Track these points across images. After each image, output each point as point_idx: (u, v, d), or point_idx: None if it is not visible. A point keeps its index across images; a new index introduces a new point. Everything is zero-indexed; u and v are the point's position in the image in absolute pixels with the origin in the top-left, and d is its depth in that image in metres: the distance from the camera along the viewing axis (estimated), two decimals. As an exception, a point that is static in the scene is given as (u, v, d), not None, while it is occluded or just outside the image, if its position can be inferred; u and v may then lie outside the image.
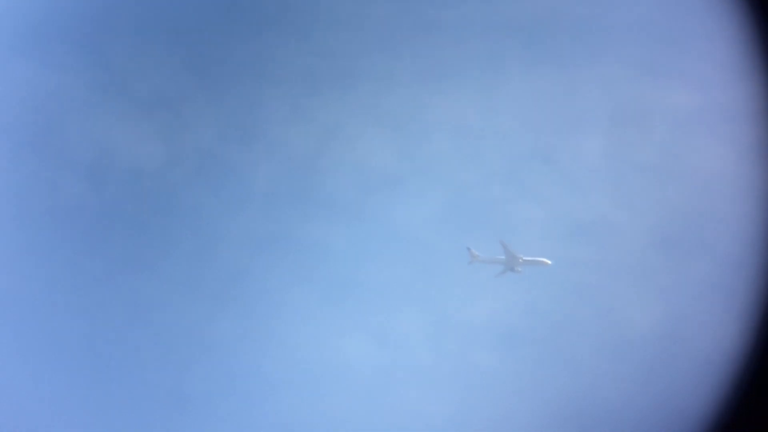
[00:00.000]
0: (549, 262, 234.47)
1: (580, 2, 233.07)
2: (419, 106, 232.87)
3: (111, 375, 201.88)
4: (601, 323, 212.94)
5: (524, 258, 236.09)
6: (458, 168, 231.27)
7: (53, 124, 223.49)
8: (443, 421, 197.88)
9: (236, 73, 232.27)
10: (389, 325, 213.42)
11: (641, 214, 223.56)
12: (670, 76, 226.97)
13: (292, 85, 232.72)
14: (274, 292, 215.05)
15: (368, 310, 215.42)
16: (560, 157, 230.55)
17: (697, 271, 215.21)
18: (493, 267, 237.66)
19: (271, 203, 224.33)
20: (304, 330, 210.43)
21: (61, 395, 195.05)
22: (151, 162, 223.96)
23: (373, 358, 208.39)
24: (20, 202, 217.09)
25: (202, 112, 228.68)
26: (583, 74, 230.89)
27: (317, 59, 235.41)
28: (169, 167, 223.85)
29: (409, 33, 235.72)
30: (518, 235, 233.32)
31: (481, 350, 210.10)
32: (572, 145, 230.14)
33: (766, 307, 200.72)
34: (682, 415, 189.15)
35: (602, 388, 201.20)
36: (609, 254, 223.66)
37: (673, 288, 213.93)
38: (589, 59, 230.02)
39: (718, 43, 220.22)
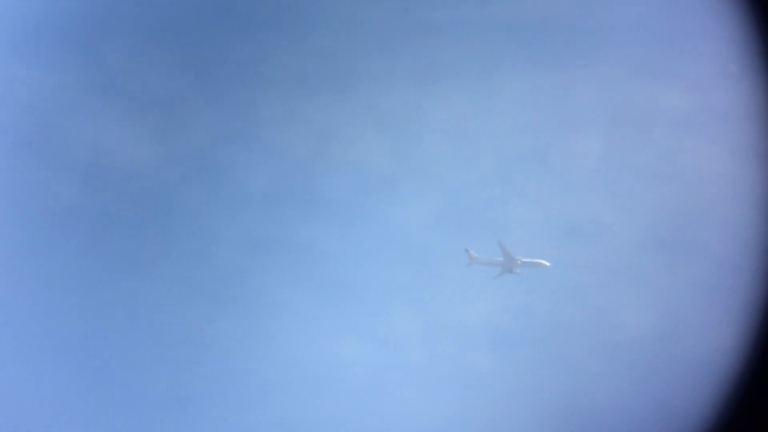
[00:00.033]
0: (547, 263, 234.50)
1: (575, 3, 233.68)
2: (416, 108, 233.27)
3: (107, 375, 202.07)
4: (597, 325, 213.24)
5: (522, 259, 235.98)
6: (455, 169, 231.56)
7: (49, 125, 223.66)
8: (439, 422, 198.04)
9: (233, 74, 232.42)
10: (386, 326, 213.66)
11: (637, 216, 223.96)
12: (665, 77, 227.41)
13: (288, 86, 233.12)
14: (271, 294, 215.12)
15: (365, 311, 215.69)
16: (557, 159, 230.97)
17: (692, 272, 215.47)
18: (492, 268, 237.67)
19: (268, 204, 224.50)
20: (301, 331, 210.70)
21: (55, 395, 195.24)
22: (148, 163, 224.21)
23: (369, 359, 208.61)
24: (17, 203, 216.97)
25: (198, 113, 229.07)
26: (579, 75, 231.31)
27: (314, 60, 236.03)
28: (166, 169, 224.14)
29: (406, 34, 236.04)
30: (515, 236, 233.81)
31: (477, 351, 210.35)
32: (569, 147, 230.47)
33: (763, 309, 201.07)
34: (679, 416, 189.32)
35: (598, 390, 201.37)
36: (605, 256, 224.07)
37: (668, 289, 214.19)
38: (585, 60, 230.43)
39: (713, 43, 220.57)
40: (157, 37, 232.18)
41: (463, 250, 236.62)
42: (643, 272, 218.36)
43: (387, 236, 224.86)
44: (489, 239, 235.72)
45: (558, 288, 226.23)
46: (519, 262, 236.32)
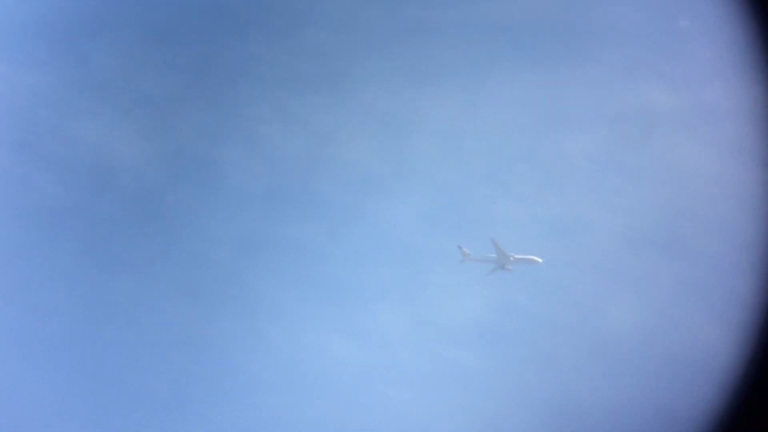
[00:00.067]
0: (540, 260, 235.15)
1: (567, 3, 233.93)
2: (408, 107, 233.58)
3: (98, 373, 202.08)
4: (586, 322, 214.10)
5: (515, 256, 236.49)
6: (447, 168, 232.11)
7: (38, 123, 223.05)
8: (430, 420, 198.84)
9: (225, 72, 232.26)
10: (377, 324, 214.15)
11: (627, 214, 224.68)
12: (655, 77, 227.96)
13: (282, 85, 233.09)
14: (263, 293, 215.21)
15: (357, 309, 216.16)
16: (549, 158, 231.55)
17: (683, 270, 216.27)
18: (485, 265, 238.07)
19: (261, 203, 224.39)
20: (293, 329, 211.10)
21: (45, 394, 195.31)
22: (139, 161, 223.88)
23: (361, 358, 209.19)
24: (4, 201, 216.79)
25: (190, 111, 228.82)
26: (570, 75, 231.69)
27: (307, 59, 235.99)
28: (157, 167, 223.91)
29: (398, 34, 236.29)
30: (504, 234, 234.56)
31: (466, 349, 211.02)
32: (560, 146, 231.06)
33: (749, 306, 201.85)
34: (669, 414, 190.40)
35: (585, 386, 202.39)
36: (594, 253, 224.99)
37: (658, 287, 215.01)
38: (576, 60, 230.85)
39: (704, 42, 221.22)
40: (148, 35, 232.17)
41: (456, 247, 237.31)
42: (632, 270, 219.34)
43: (378, 235, 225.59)
44: (478, 237, 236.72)
45: (548, 286, 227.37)
46: (512, 258, 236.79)
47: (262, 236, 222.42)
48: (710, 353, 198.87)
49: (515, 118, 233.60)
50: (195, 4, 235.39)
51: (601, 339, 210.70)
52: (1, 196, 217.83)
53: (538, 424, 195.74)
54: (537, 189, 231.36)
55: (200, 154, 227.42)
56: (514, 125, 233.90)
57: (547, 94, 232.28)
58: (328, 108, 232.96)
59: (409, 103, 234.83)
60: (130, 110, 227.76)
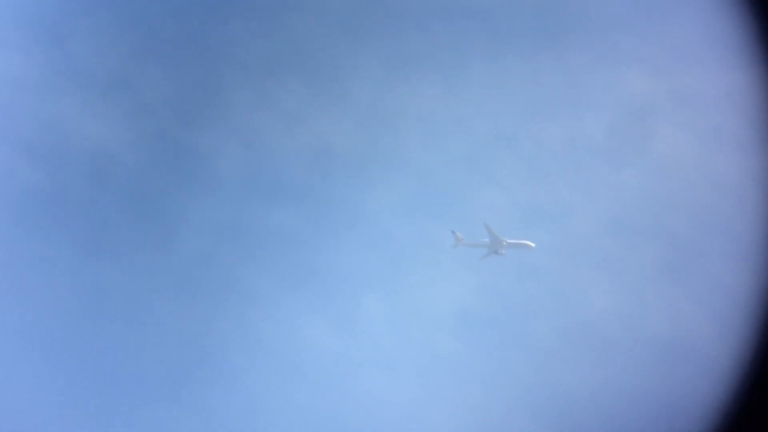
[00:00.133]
0: (533, 244, 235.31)
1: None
2: (391, 94, 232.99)
3: (73, 355, 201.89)
4: (566, 307, 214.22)
5: (508, 241, 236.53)
6: (427, 154, 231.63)
7: (12, 107, 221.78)
8: (411, 405, 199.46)
9: (205, 58, 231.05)
10: (358, 310, 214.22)
11: (606, 200, 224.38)
12: (637, 62, 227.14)
13: (259, 69, 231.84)
14: (244, 279, 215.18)
15: (338, 296, 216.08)
16: (529, 144, 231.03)
17: (660, 255, 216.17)
18: (476, 250, 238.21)
19: (241, 190, 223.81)
20: (274, 316, 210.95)
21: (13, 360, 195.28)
22: (112, 145, 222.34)
23: (343, 344, 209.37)
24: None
25: (170, 97, 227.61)
26: (549, 61, 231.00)
27: (288, 45, 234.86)
28: (131, 151, 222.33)
29: (380, 21, 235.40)
30: (486, 220, 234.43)
31: (446, 334, 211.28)
32: (542, 132, 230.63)
33: (730, 290, 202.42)
34: (646, 395, 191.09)
35: (567, 370, 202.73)
36: (574, 239, 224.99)
37: (636, 272, 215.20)
38: (555, 46, 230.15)
39: (684, 28, 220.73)
40: (128, 19, 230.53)
41: (450, 232, 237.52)
42: (613, 255, 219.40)
43: (361, 222, 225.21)
44: (460, 223, 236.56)
45: (530, 271, 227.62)
46: (505, 243, 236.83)
47: (244, 223, 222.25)
48: (691, 337, 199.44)
49: (497, 104, 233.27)
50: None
51: (582, 323, 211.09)
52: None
53: (521, 408, 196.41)
54: (518, 175, 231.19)
55: (181, 139, 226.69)
56: (496, 112, 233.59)
57: (528, 80, 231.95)
58: (310, 95, 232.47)
59: (392, 90, 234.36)
60: (109, 94, 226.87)
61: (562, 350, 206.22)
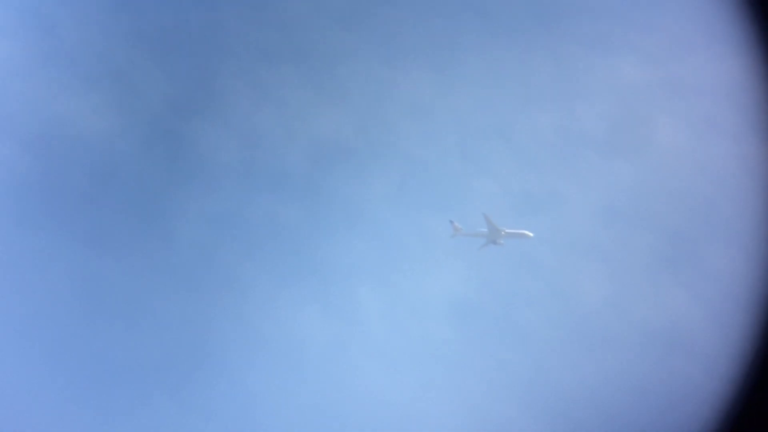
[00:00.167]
0: (531, 234, 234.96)
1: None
2: (381, 84, 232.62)
3: (62, 347, 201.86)
4: (556, 297, 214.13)
5: (507, 231, 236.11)
6: (419, 143, 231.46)
7: (1, 94, 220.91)
8: (402, 392, 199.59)
9: (194, 44, 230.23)
10: (351, 302, 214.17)
11: (598, 188, 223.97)
12: (626, 52, 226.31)
13: (249, 57, 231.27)
14: (236, 268, 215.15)
15: (330, 284, 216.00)
16: (520, 133, 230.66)
17: (649, 245, 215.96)
18: (476, 240, 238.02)
19: (231, 178, 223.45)
20: (265, 307, 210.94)
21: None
22: (103, 133, 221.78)
23: (335, 332, 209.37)
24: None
25: (158, 84, 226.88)
26: (544, 51, 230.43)
27: (278, 32, 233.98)
28: (122, 139, 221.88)
29: (371, 7, 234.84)
30: (477, 209, 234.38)
31: (439, 324, 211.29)
32: (533, 121, 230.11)
33: (721, 279, 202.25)
34: (638, 383, 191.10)
35: (557, 360, 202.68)
36: (565, 228, 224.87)
37: (624, 262, 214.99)
38: (550, 36, 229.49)
39: (675, 17, 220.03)
40: (117, 5, 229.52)
41: (448, 222, 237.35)
42: (605, 244, 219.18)
43: (353, 212, 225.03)
44: (451, 211, 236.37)
45: (521, 259, 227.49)
46: (503, 233, 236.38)
47: (239, 214, 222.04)
48: (686, 327, 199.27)
49: (492, 94, 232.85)
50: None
51: (577, 314, 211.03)
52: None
53: (515, 398, 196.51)
54: (513, 165, 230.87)
55: (177, 131, 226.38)
56: (491, 102, 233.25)
57: (519, 68, 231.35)
58: (306, 86, 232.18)
59: (387, 80, 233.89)
60: (104, 85, 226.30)
61: (557, 341, 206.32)
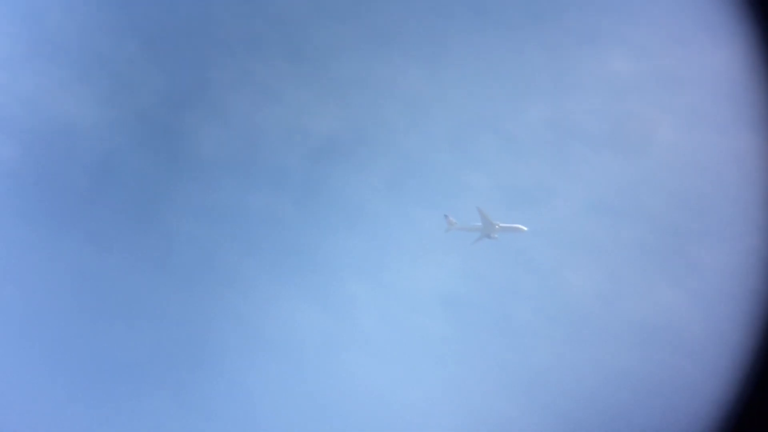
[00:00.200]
0: (525, 228, 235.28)
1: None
2: (370, 74, 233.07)
3: (56, 343, 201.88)
4: (546, 288, 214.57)
5: (501, 225, 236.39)
6: (410, 136, 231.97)
7: None
8: (392, 385, 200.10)
9: (185, 36, 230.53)
10: (341, 293, 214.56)
11: (587, 182, 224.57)
12: (612, 43, 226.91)
13: (239, 48, 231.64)
14: (227, 261, 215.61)
15: (321, 277, 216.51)
16: (510, 126, 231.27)
17: (640, 237, 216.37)
18: (470, 234, 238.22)
19: (222, 171, 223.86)
20: (255, 299, 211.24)
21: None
22: (93, 126, 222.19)
23: (326, 325, 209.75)
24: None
25: (148, 76, 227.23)
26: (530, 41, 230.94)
27: (266, 23, 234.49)
28: (112, 131, 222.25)
29: (360, 0, 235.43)
30: (468, 202, 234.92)
31: (428, 316, 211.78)
32: (523, 114, 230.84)
33: (708, 271, 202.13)
34: (625, 375, 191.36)
35: (547, 351, 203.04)
36: (555, 221, 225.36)
37: (612, 254, 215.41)
38: (536, 27, 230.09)
39: (664, 9, 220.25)
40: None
41: (443, 216, 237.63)
42: (593, 237, 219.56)
43: (342, 204, 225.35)
44: (442, 205, 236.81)
45: (511, 253, 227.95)
46: (497, 227, 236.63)
47: (227, 205, 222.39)
48: (673, 320, 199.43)
49: (481, 86, 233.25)
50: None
51: (562, 304, 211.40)
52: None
53: (504, 389, 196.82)
54: (497, 156, 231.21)
55: (162, 119, 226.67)
56: (477, 92, 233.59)
57: (509, 60, 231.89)
58: (295, 76, 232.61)
59: (376, 71, 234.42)
60: (87, 72, 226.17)
61: (549, 335, 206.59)
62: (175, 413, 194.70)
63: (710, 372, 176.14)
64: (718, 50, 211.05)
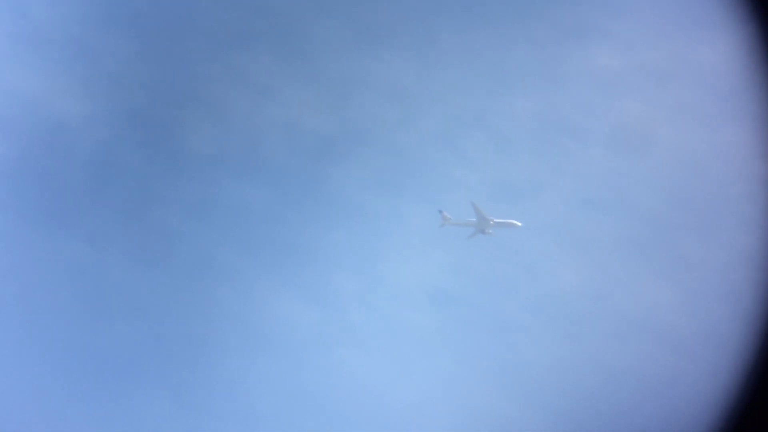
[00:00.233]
0: (519, 224, 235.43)
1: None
2: (357, 68, 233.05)
3: (46, 338, 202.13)
4: (535, 283, 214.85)
5: (495, 220, 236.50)
6: (396, 131, 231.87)
7: None
8: (382, 380, 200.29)
9: (172, 29, 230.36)
10: (328, 287, 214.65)
11: (574, 176, 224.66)
12: (597, 37, 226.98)
13: (225, 41, 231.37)
14: (216, 256, 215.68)
15: (310, 273, 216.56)
16: (497, 120, 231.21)
17: (627, 231, 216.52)
18: (465, 229, 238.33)
19: (211, 165, 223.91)
20: (242, 292, 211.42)
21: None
22: (77, 117, 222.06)
23: (315, 320, 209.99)
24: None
25: (135, 70, 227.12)
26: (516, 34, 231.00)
27: (253, 16, 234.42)
28: (97, 124, 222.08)
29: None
30: (455, 197, 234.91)
31: (417, 310, 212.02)
32: (509, 108, 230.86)
33: (697, 266, 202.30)
34: (614, 371, 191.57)
35: (536, 346, 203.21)
36: (542, 216, 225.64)
37: (601, 249, 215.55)
38: (524, 22, 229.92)
39: (651, 2, 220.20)
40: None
41: (437, 211, 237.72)
42: (581, 232, 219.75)
43: (330, 198, 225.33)
44: (429, 200, 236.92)
45: (499, 247, 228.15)
46: (492, 222, 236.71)
47: (220, 201, 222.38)
48: (662, 314, 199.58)
49: (466, 80, 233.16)
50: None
51: (554, 300, 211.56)
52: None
53: (493, 383, 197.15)
54: (486, 151, 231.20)
55: (156, 117, 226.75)
56: (465, 87, 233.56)
57: (495, 54, 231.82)
58: (285, 71, 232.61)
59: (363, 64, 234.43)
60: (72, 65, 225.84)
61: (538, 329, 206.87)
62: (169, 408, 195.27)
63: (706, 369, 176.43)
64: (707, 45, 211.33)
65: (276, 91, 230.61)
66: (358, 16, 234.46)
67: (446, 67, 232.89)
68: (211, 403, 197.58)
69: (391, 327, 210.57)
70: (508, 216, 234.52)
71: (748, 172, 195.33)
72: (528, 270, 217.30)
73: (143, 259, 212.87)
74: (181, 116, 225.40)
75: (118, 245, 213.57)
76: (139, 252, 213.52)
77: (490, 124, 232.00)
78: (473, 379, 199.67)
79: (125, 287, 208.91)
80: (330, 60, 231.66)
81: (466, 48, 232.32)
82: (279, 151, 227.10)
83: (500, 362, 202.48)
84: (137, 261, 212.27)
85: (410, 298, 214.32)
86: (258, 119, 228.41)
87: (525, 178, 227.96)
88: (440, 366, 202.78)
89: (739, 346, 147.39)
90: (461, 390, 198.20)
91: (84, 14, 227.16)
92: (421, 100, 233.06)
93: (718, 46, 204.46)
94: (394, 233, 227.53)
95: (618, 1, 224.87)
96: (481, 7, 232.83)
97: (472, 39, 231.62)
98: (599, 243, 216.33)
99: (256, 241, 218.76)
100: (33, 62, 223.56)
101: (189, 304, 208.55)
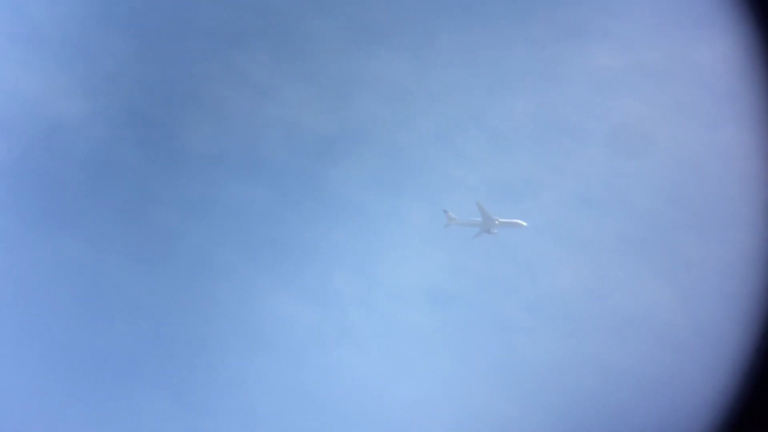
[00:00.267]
0: (524, 223, 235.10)
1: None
2: (355, 66, 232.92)
3: (40, 337, 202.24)
4: (533, 282, 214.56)
5: (500, 220, 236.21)
6: (393, 130, 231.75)
7: None
8: (380, 379, 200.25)
9: (169, 28, 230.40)
10: (326, 287, 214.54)
11: (572, 176, 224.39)
12: (596, 37, 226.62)
13: (222, 40, 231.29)
14: (209, 254, 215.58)
15: (308, 272, 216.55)
16: (495, 120, 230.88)
17: (625, 230, 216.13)
18: (470, 229, 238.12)
19: (208, 164, 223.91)
20: (240, 291, 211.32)
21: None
22: (74, 117, 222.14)
23: (313, 319, 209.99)
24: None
25: (133, 69, 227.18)
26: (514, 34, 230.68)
27: (253, 17, 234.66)
28: (94, 123, 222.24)
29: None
30: (454, 196, 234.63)
31: (415, 310, 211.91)
32: (508, 107, 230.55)
33: (694, 265, 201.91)
34: (611, 369, 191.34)
35: (533, 345, 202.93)
36: (540, 215, 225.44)
37: (599, 248, 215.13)
38: (522, 21, 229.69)
39: (650, 2, 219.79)
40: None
41: (442, 211, 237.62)
42: (579, 231, 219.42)
43: (328, 197, 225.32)
44: (428, 199, 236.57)
45: (497, 247, 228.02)
46: (497, 222, 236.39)
47: (214, 199, 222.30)
48: (659, 313, 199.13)
49: (464, 80, 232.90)
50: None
51: (553, 299, 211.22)
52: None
53: (491, 383, 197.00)
54: (486, 151, 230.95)
55: (155, 116, 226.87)
56: (464, 87, 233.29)
57: (494, 54, 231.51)
58: (279, 68, 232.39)
59: (361, 63, 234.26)
60: (70, 64, 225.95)
61: (537, 328, 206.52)
62: (169, 408, 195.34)
63: (705, 369, 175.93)
64: (706, 45, 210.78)
65: (275, 91, 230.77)
66: (358, 15, 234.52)
67: (446, 66, 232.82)
68: (211, 403, 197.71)
69: (390, 327, 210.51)
70: (511, 215, 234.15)
71: (747, 172, 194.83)
72: (527, 269, 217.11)
73: (143, 259, 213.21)
74: (180, 116, 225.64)
75: (117, 245, 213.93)
76: (139, 252, 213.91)
77: (489, 124, 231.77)
78: (473, 379, 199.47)
79: (125, 287, 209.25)
80: (329, 60, 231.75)
81: (466, 48, 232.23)
82: (278, 150, 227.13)
83: (499, 362, 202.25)
84: (137, 261, 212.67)
85: (409, 298, 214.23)
86: (257, 119, 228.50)
87: (524, 178, 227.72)
88: (440, 366, 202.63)
89: (738, 346, 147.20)
90: (461, 390, 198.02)
91: (83, 14, 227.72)
92: (420, 100, 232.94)
93: (717, 46, 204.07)
94: (394, 233, 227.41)
95: (618, 1, 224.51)
96: (480, 7, 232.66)
97: (472, 39, 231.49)
98: (599, 242, 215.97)
99: (256, 241, 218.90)
100: (32, 62, 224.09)
101: (189, 304, 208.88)
